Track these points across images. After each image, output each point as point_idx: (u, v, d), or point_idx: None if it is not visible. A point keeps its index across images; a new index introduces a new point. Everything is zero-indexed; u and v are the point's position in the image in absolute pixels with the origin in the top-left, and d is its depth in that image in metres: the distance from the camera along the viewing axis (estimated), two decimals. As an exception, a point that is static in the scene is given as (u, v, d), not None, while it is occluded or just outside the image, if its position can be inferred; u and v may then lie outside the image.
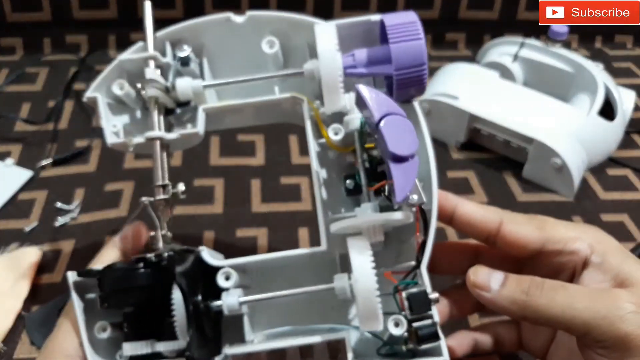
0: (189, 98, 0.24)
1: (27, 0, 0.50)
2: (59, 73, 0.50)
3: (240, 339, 0.22)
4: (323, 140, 0.24)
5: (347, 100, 0.22)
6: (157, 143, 0.23)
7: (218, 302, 0.21)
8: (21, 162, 0.40)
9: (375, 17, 0.24)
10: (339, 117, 0.23)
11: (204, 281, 0.22)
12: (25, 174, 0.39)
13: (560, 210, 0.40)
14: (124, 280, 0.21)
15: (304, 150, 0.43)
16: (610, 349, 0.20)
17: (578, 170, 0.40)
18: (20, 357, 0.29)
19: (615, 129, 0.44)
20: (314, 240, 0.36)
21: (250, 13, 0.25)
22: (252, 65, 0.26)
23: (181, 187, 0.23)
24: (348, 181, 0.23)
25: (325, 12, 0.54)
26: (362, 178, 0.22)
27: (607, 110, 0.44)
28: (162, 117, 0.24)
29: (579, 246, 0.23)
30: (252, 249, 0.35)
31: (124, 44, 0.53)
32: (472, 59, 0.55)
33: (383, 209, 0.22)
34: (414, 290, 0.20)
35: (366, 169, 0.22)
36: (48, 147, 0.42)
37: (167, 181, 0.23)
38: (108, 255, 0.24)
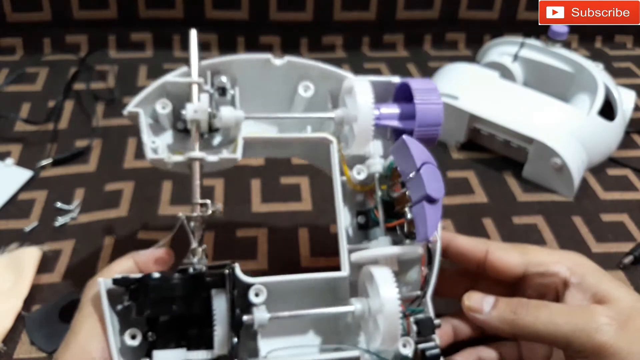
0: (229, 126, 0.26)
1: (27, 1, 0.50)
2: (59, 73, 0.50)
3: (252, 353, 0.23)
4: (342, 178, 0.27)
5: (371, 146, 0.27)
6: (197, 163, 0.25)
7: (249, 316, 0.22)
8: (21, 162, 0.40)
9: (396, 79, 0.28)
10: (358, 159, 0.27)
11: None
12: (25, 174, 0.39)
13: (560, 210, 0.40)
14: (165, 290, 0.22)
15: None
16: (590, 359, 0.22)
17: (578, 170, 0.40)
18: (20, 357, 0.29)
19: (615, 129, 0.44)
20: (314, 240, 0.36)
21: (289, 58, 0.28)
22: (278, 100, 0.29)
23: (219, 206, 0.25)
24: (359, 217, 0.27)
25: (324, 13, 0.54)
26: (380, 214, 0.26)
27: (607, 110, 0.44)
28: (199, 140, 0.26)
29: (558, 269, 0.25)
30: (252, 249, 0.35)
31: (124, 44, 0.54)
32: (472, 59, 0.55)
33: (395, 242, 0.25)
34: (421, 316, 0.24)
35: (384, 207, 0.26)
36: (48, 147, 0.42)
37: (206, 200, 0.25)
38: (122, 266, 0.24)
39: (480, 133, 0.43)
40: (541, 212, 0.39)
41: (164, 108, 0.26)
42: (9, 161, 0.40)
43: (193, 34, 0.26)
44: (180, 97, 0.26)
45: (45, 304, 0.31)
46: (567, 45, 0.49)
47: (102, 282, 0.22)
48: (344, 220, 0.26)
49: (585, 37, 0.60)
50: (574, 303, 0.24)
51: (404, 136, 0.24)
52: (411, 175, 0.23)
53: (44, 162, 0.40)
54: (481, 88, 0.44)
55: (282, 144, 0.28)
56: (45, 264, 0.33)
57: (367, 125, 0.25)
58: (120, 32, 0.53)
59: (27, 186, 0.39)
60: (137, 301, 0.22)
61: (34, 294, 0.31)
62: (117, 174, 0.40)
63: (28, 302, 0.31)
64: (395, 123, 0.27)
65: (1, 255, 0.33)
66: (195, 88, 0.26)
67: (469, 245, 0.27)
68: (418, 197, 0.23)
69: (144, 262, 0.25)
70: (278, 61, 0.28)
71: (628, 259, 0.35)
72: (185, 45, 0.54)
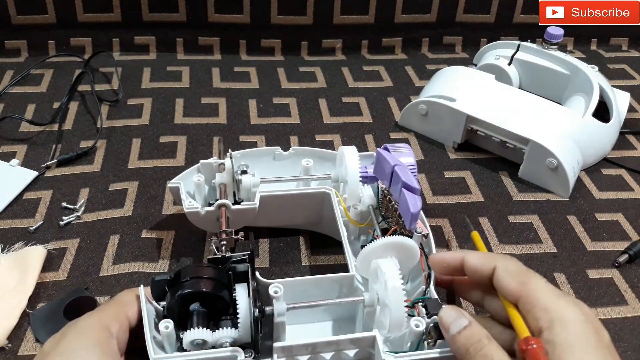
0: (248, 189, 0.33)
1: (32, 3, 0.51)
2: (64, 74, 0.50)
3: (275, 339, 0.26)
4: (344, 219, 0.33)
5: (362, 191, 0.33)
6: (224, 210, 0.32)
7: (269, 307, 0.25)
8: (26, 163, 0.41)
9: (373, 152, 0.34)
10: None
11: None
12: (31, 174, 0.40)
13: (556, 210, 0.40)
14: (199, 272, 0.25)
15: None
16: None
17: (573, 170, 0.41)
18: (24, 354, 0.29)
19: (610, 130, 0.45)
20: (314, 240, 0.37)
21: (295, 148, 0.36)
22: (283, 172, 0.36)
23: (241, 235, 0.30)
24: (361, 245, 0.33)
25: (324, 16, 0.55)
26: (378, 233, 0.31)
27: (602, 111, 0.45)
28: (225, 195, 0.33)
29: (554, 316, 0.22)
30: (253, 248, 0.36)
31: (127, 47, 0.55)
32: (469, 61, 0.56)
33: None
34: (427, 298, 0.27)
35: (382, 229, 0.31)
36: (53, 148, 0.42)
37: (229, 229, 0.30)
38: (125, 298, 0.25)
39: (476, 134, 0.44)
40: (537, 212, 0.40)
41: (198, 180, 0.33)
42: (15, 161, 0.41)
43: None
44: (209, 171, 0.34)
45: (50, 301, 0.31)
46: (562, 47, 0.50)
47: (141, 288, 0.25)
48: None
49: (581, 39, 0.61)
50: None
51: (377, 149, 0.30)
52: (389, 173, 0.29)
53: (49, 162, 0.41)
54: (478, 90, 0.45)
55: (286, 199, 0.34)
56: (50, 263, 0.34)
57: (355, 184, 0.32)
58: (124, 34, 0.54)
59: (33, 186, 0.39)
60: (173, 287, 0.25)
61: (39, 291, 0.32)
62: (121, 174, 0.41)
63: (33, 300, 0.31)
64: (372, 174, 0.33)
65: (7, 254, 0.34)
66: (222, 168, 0.33)
67: (478, 262, 0.26)
68: (398, 189, 0.27)
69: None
70: (286, 152, 0.36)
71: (623, 258, 0.36)
72: (188, 48, 0.55)
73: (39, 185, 0.39)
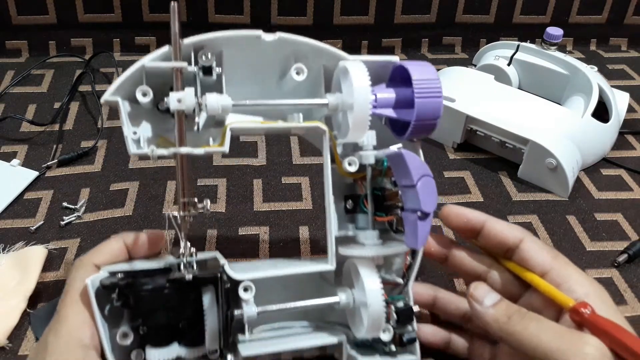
0: (215, 114, 0.24)
1: (33, 4, 0.51)
2: (65, 75, 0.50)
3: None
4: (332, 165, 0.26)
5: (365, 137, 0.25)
6: (184, 158, 0.23)
7: (239, 311, 0.23)
8: (27, 163, 0.41)
9: (395, 59, 0.26)
10: (349, 146, 0.26)
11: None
12: (31, 174, 0.40)
13: (555, 210, 0.40)
14: (157, 301, 0.22)
15: (304, 151, 0.44)
16: None
17: (572, 170, 0.41)
18: (25, 353, 0.29)
19: (609, 130, 0.45)
20: (313, 239, 0.37)
21: (281, 34, 0.25)
22: (267, 81, 0.27)
23: (207, 203, 0.23)
24: (348, 202, 0.28)
25: (324, 17, 0.55)
26: (370, 207, 0.26)
27: (602, 112, 0.45)
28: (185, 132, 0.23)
29: (577, 289, 0.24)
30: (254, 247, 0.36)
31: (128, 47, 0.55)
32: (468, 62, 0.56)
33: (382, 232, 0.26)
34: (401, 305, 0.26)
35: (374, 200, 0.26)
36: (54, 148, 0.42)
37: (193, 198, 0.23)
38: (112, 247, 0.25)
39: (476, 134, 0.44)
40: (536, 212, 0.40)
41: (144, 96, 0.23)
42: (15, 162, 0.41)
43: (174, 7, 0.22)
44: (162, 78, 0.23)
45: (51, 301, 0.31)
46: (562, 48, 0.50)
47: (89, 282, 0.22)
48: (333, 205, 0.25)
49: (580, 39, 0.61)
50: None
51: (403, 151, 0.24)
52: (407, 183, 0.24)
53: (50, 163, 0.41)
54: (477, 90, 0.45)
55: (271, 119, 0.26)
56: (51, 262, 0.34)
57: (363, 116, 0.24)
58: (124, 35, 0.54)
59: (33, 186, 0.39)
60: (128, 307, 0.23)
61: (40, 291, 0.32)
62: (122, 174, 0.41)
63: (33, 300, 0.31)
64: (392, 113, 0.25)
65: (7, 254, 0.34)
66: (178, 74, 0.23)
67: (506, 229, 0.26)
68: (411, 208, 0.24)
69: (133, 244, 0.25)
70: (269, 37, 0.25)
71: (622, 258, 0.36)
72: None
73: (39, 185, 0.39)
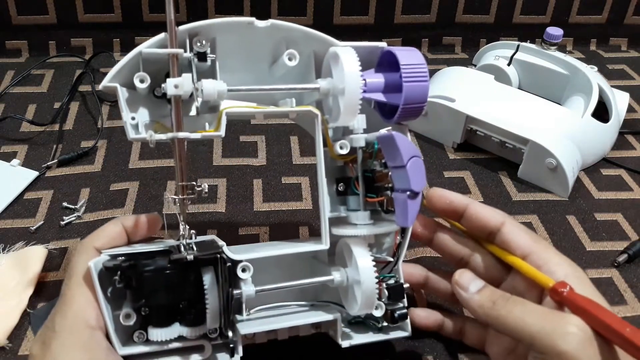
0: (211, 99, 0.24)
1: (33, 4, 0.51)
2: (65, 75, 0.50)
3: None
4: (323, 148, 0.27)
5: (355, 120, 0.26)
6: (181, 143, 0.24)
7: (238, 291, 0.24)
8: (27, 163, 0.41)
9: (382, 44, 0.27)
10: (339, 130, 0.28)
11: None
12: (31, 174, 0.40)
13: (555, 210, 0.40)
14: (159, 281, 0.23)
15: (304, 151, 0.44)
16: None
17: (572, 170, 0.41)
18: (25, 353, 0.29)
19: (609, 130, 0.45)
20: (314, 232, 0.37)
21: (273, 21, 0.26)
22: (260, 67, 0.28)
23: (205, 186, 0.24)
24: (340, 184, 0.29)
25: (324, 17, 0.55)
26: (360, 188, 0.27)
27: (602, 112, 0.45)
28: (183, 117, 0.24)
29: (556, 270, 0.25)
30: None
31: (128, 47, 0.54)
32: (468, 62, 0.56)
33: (372, 213, 0.27)
34: (392, 282, 0.27)
35: (365, 182, 0.27)
36: (54, 148, 0.42)
37: (191, 182, 0.24)
38: (111, 230, 0.25)
39: (476, 134, 0.44)
40: (536, 212, 0.40)
41: (142, 82, 0.24)
42: (15, 162, 0.41)
43: None
44: (158, 65, 0.24)
45: (51, 301, 0.31)
46: (562, 48, 0.50)
47: (92, 265, 0.23)
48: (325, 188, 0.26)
49: (580, 39, 0.61)
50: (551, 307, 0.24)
51: (394, 133, 0.25)
52: (397, 164, 0.25)
53: (50, 162, 0.41)
54: (477, 90, 0.45)
55: (265, 103, 0.27)
56: (51, 262, 0.34)
57: (354, 100, 0.24)
58: (124, 35, 0.54)
59: (33, 186, 0.39)
60: (130, 289, 0.23)
61: (40, 291, 0.32)
62: (122, 174, 0.41)
63: (34, 300, 0.31)
64: (381, 97, 0.26)
65: (7, 254, 0.34)
66: (174, 60, 0.23)
67: (488, 213, 0.27)
68: (401, 188, 0.25)
69: (132, 227, 0.25)
70: (261, 23, 0.26)
71: (622, 258, 0.36)
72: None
73: (39, 185, 0.40)
